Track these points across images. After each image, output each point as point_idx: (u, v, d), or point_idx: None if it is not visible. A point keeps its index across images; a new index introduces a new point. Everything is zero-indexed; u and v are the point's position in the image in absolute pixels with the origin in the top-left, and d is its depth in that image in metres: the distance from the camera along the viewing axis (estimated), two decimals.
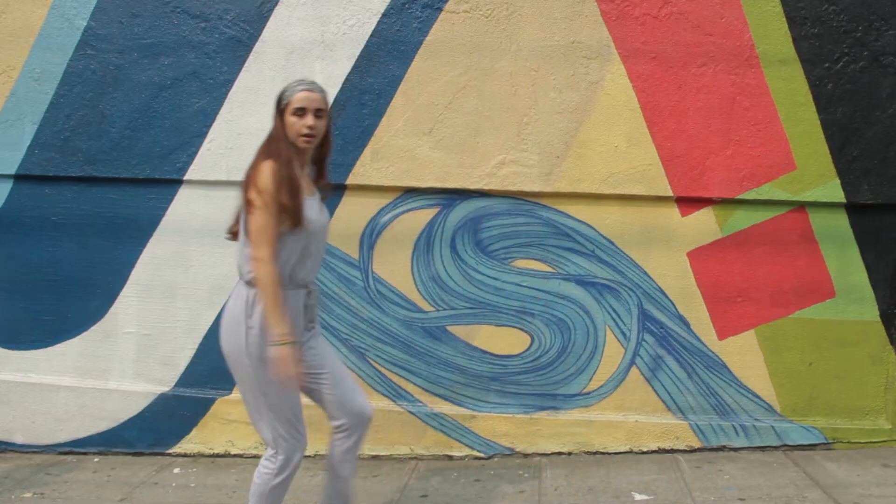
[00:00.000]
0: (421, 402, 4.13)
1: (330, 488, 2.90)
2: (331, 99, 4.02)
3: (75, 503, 3.56)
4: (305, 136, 2.62)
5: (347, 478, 2.88)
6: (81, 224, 4.18)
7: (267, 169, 2.55)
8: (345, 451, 2.83)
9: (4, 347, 4.24)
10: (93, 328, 4.21)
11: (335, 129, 4.04)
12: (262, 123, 4.06)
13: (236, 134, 4.09)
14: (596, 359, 4.10)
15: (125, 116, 4.10)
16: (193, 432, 4.17)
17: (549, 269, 4.09)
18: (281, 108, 2.65)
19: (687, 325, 4.08)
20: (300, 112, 2.62)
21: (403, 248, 4.10)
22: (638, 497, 3.53)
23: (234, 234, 2.80)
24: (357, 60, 4.04)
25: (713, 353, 4.08)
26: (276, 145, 2.63)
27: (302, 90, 2.62)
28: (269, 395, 2.63)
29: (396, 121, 4.04)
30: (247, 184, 2.62)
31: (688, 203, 4.04)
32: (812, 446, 4.07)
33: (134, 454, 4.18)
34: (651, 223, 4.05)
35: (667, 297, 4.07)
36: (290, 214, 2.55)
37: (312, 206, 2.68)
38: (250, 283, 2.64)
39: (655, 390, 4.10)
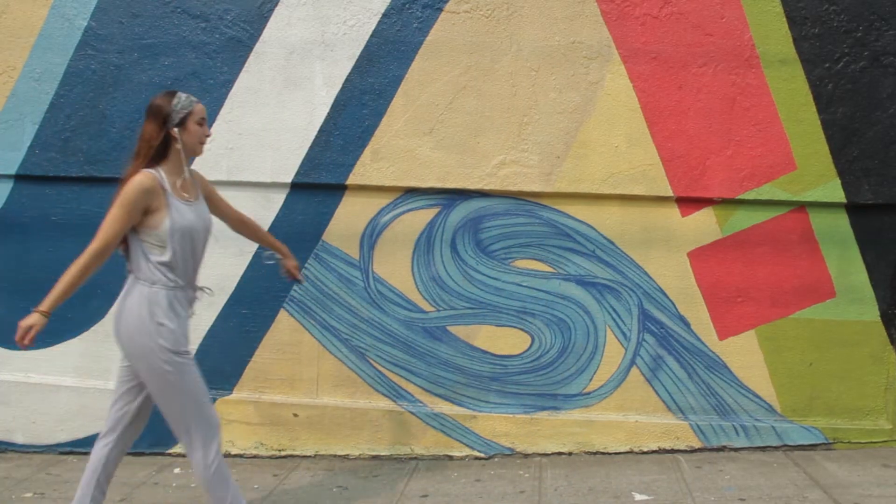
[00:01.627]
0: (421, 402, 4.13)
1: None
2: (331, 99, 4.07)
3: None
4: (203, 142, 2.94)
5: None
6: (82, 224, 4.17)
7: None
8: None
9: (4, 347, 4.23)
10: (93, 328, 4.21)
11: (335, 129, 4.07)
12: (262, 123, 4.08)
13: (236, 134, 4.09)
14: (596, 359, 4.10)
15: (125, 116, 4.10)
16: None
17: (550, 270, 4.09)
18: (181, 119, 2.84)
19: (687, 325, 4.08)
20: (202, 121, 2.90)
21: (404, 249, 4.10)
22: (638, 497, 3.53)
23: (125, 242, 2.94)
24: (357, 60, 4.04)
25: (713, 353, 4.08)
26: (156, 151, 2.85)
27: (199, 103, 2.90)
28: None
29: (397, 121, 4.04)
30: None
31: (688, 203, 4.04)
32: (812, 446, 4.07)
33: (134, 454, 4.17)
34: (651, 223, 4.05)
35: (667, 297, 4.07)
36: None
37: (193, 209, 2.91)
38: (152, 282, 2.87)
39: (656, 390, 4.10)
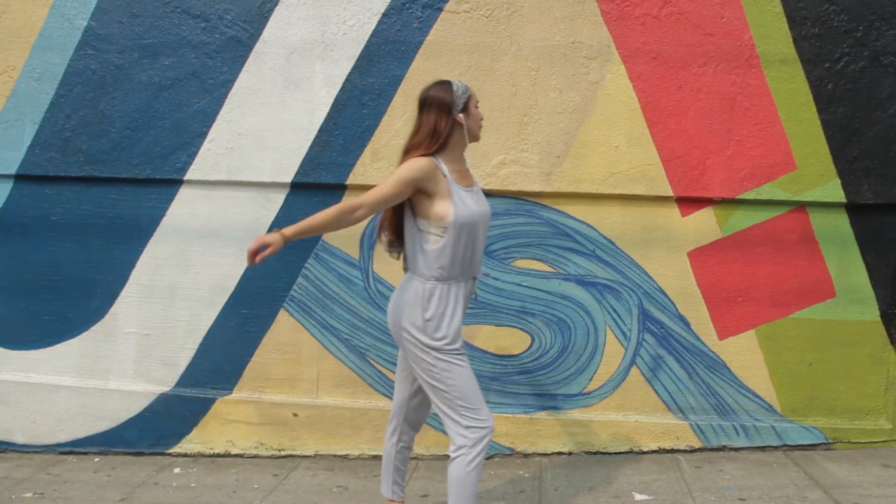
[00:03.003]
0: None
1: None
2: (331, 99, 4.07)
3: (75, 503, 3.56)
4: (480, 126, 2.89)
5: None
6: (82, 224, 4.18)
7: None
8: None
9: (5, 347, 4.24)
10: (93, 328, 4.21)
11: (335, 129, 4.07)
12: (262, 123, 4.08)
13: (236, 134, 4.09)
14: (596, 359, 4.10)
15: (125, 116, 4.10)
16: (194, 432, 4.17)
17: (550, 269, 4.09)
18: (464, 104, 2.80)
19: (687, 325, 4.08)
20: (478, 104, 2.88)
21: None
22: (638, 497, 3.53)
23: (390, 243, 2.92)
24: (357, 60, 4.04)
25: (713, 353, 4.08)
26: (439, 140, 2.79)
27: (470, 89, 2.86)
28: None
29: (397, 121, 4.04)
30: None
31: (688, 203, 4.04)
32: (812, 446, 4.07)
33: (134, 454, 4.18)
34: (651, 223, 4.05)
35: (667, 297, 4.07)
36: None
37: (470, 197, 2.80)
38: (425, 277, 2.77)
39: (656, 390, 4.10)
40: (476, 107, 2.85)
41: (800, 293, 4.05)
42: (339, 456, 4.12)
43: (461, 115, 2.77)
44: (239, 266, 4.13)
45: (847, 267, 4.05)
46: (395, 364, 4.15)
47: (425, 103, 2.79)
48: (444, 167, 2.76)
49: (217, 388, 4.17)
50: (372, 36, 4.03)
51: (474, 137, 2.86)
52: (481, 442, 2.78)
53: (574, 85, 4.01)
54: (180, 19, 4.07)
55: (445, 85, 2.80)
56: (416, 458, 4.08)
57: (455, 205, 2.72)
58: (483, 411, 2.79)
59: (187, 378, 4.18)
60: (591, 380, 4.10)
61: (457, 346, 2.79)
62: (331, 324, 4.14)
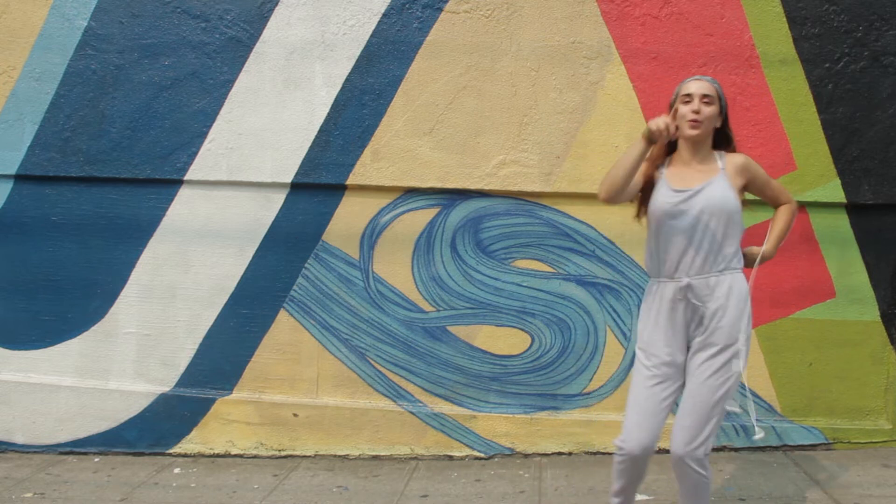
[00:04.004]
0: (421, 402, 4.13)
1: None
2: (331, 99, 4.07)
3: (75, 503, 3.56)
4: (691, 120, 2.66)
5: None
6: (82, 224, 4.18)
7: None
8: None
9: (4, 347, 4.24)
10: (93, 328, 4.21)
11: (335, 129, 4.07)
12: (262, 123, 4.08)
13: (237, 134, 4.09)
14: (596, 359, 4.10)
15: (125, 116, 4.10)
16: (194, 432, 4.17)
17: (550, 270, 4.09)
18: (672, 104, 2.75)
19: None
20: (687, 99, 2.70)
21: (404, 248, 4.10)
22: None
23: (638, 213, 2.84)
24: (357, 60, 4.04)
25: None
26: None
27: (690, 81, 2.73)
28: None
29: (397, 121, 4.04)
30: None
31: None
32: (812, 446, 4.07)
33: (134, 454, 4.18)
34: None
35: None
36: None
37: (678, 196, 2.68)
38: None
39: None
40: (685, 103, 2.70)
41: (800, 293, 4.05)
42: (339, 456, 4.12)
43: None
44: (239, 266, 4.13)
45: (847, 267, 4.04)
46: (394, 364, 4.16)
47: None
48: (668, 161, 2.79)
49: (217, 388, 4.17)
50: (372, 36, 4.03)
51: (681, 134, 2.72)
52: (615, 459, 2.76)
53: (574, 85, 4.01)
54: (180, 19, 4.07)
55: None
56: (415, 458, 4.08)
57: (652, 199, 2.72)
58: (623, 432, 2.73)
59: (187, 378, 4.18)
60: (591, 380, 4.10)
61: (643, 353, 2.74)
62: (331, 324, 4.14)
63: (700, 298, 2.66)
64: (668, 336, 2.70)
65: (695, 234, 2.65)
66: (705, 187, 2.66)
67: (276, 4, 4.05)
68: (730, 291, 2.66)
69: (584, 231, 4.07)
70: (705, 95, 2.68)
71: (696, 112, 2.65)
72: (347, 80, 4.05)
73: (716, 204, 2.63)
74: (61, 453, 4.19)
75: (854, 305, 4.05)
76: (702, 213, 2.63)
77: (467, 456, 4.09)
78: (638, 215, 2.82)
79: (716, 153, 2.77)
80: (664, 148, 2.79)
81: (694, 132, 2.67)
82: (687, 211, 2.64)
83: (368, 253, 4.12)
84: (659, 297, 2.72)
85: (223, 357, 4.18)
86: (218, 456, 4.15)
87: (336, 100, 4.05)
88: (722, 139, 2.79)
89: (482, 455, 4.09)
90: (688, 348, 2.73)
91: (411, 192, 4.09)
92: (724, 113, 2.77)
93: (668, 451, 4.07)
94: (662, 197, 2.68)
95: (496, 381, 4.12)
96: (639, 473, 2.78)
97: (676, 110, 2.70)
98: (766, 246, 2.79)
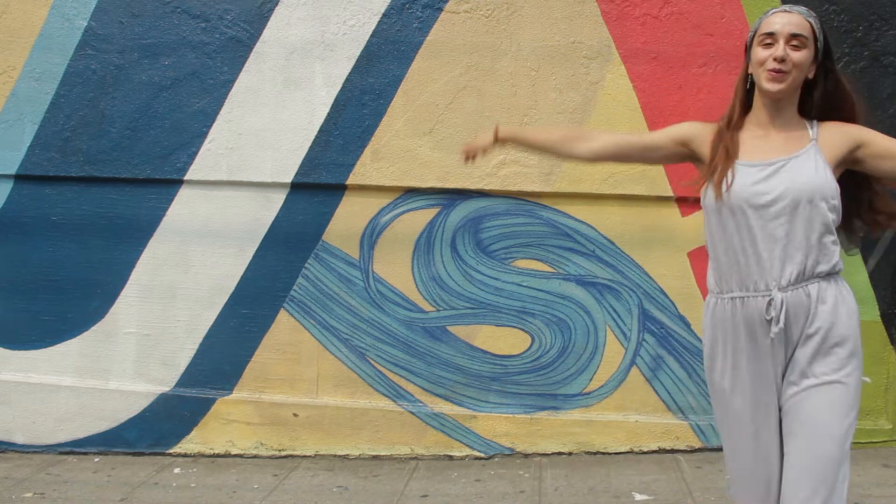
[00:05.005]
0: (421, 402, 4.13)
1: None
2: (331, 99, 4.06)
3: (75, 503, 3.56)
4: (773, 70, 1.95)
5: None
6: (82, 224, 4.18)
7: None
8: None
9: (4, 347, 4.23)
10: (93, 328, 4.20)
11: (335, 129, 4.06)
12: (262, 123, 4.08)
13: (237, 134, 4.09)
14: (596, 359, 4.10)
15: (125, 116, 4.10)
16: (194, 432, 4.16)
17: (550, 270, 4.09)
18: (748, 44, 2.06)
19: (687, 325, 4.07)
20: (769, 39, 1.97)
21: (404, 248, 4.10)
22: (638, 497, 3.53)
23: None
24: (357, 60, 4.04)
25: None
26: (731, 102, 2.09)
27: (775, 13, 1.99)
28: None
29: (397, 121, 4.04)
30: None
31: (688, 203, 4.03)
32: None
33: (134, 454, 4.18)
34: (652, 223, 4.05)
35: (667, 297, 4.07)
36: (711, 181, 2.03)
37: (750, 173, 1.98)
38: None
39: (656, 390, 4.09)
40: (765, 44, 1.99)
41: None
42: (339, 456, 4.12)
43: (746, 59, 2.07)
44: (239, 266, 4.13)
45: (847, 267, 4.00)
46: (394, 364, 4.15)
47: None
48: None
49: (217, 388, 4.17)
50: (372, 36, 4.03)
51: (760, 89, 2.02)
52: None
53: (574, 85, 4.01)
54: (180, 19, 4.07)
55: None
56: (415, 458, 4.08)
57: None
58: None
59: (187, 378, 4.18)
60: (591, 380, 4.10)
61: (714, 387, 2.08)
62: (331, 324, 4.14)
63: (795, 317, 1.96)
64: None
65: (787, 229, 1.94)
66: (789, 161, 1.97)
67: (276, 4, 4.05)
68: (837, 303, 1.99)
69: (584, 231, 4.07)
70: (794, 36, 1.94)
71: (780, 60, 1.94)
72: (347, 80, 4.04)
73: (804, 185, 1.93)
74: (61, 453, 4.19)
75: None
76: (783, 197, 1.93)
77: (467, 456, 4.09)
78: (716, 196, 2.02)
79: (805, 121, 2.05)
80: (740, 108, 2.10)
81: (775, 87, 1.96)
82: (767, 194, 1.95)
83: (368, 253, 4.12)
84: (721, 313, 2.05)
85: (223, 357, 4.18)
86: (218, 456, 4.15)
87: (336, 100, 4.05)
88: (824, 99, 2.02)
89: (482, 455, 4.09)
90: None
91: (411, 192, 4.09)
92: (823, 59, 2.00)
93: (668, 451, 4.09)
94: (737, 176, 1.98)
95: (496, 381, 4.12)
96: None
97: (751, 57, 2.02)
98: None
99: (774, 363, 1.97)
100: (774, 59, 1.94)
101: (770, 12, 2.01)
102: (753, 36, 2.04)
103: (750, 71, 2.04)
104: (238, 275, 4.14)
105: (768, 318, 1.94)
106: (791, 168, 1.95)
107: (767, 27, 1.98)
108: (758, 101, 2.05)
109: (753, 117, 2.07)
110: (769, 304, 1.94)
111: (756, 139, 2.03)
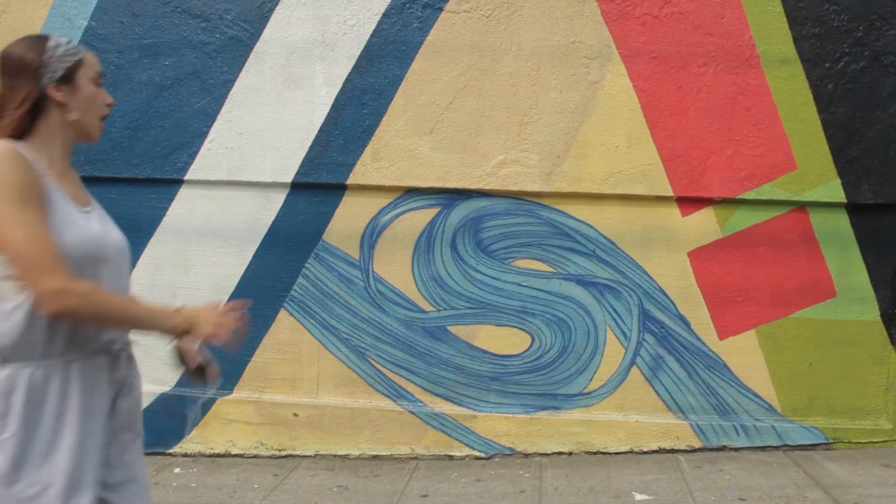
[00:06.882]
0: (421, 401, 4.13)
1: None
2: (331, 99, 4.06)
3: None
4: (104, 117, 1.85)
5: None
6: None
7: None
8: None
9: None
10: None
11: (335, 129, 4.06)
12: (262, 123, 4.08)
13: (237, 134, 4.09)
14: (596, 359, 4.10)
15: (126, 116, 4.10)
16: (194, 432, 4.16)
17: (550, 269, 4.09)
18: (67, 72, 1.75)
19: (687, 324, 4.07)
20: (99, 80, 1.83)
21: (404, 248, 4.10)
22: (638, 497, 3.53)
23: None
24: (357, 60, 4.04)
25: (714, 352, 4.08)
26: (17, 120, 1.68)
27: (87, 51, 1.80)
28: None
29: (397, 121, 4.04)
30: None
31: (688, 203, 4.03)
32: (812, 446, 4.07)
33: None
34: (652, 223, 4.05)
35: (667, 297, 4.07)
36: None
37: (88, 218, 1.81)
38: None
39: (656, 390, 4.10)
40: (98, 84, 1.82)
41: (800, 293, 4.05)
42: (340, 456, 4.12)
43: (57, 89, 1.73)
44: (239, 266, 4.13)
45: (847, 267, 4.04)
46: (395, 364, 4.15)
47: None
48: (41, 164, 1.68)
49: (217, 388, 4.17)
50: (372, 36, 4.03)
51: (87, 135, 1.86)
52: None
53: (574, 85, 4.01)
54: (180, 19, 4.07)
55: (36, 41, 1.72)
56: (416, 458, 4.08)
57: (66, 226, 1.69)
58: None
59: (187, 378, 4.17)
60: (591, 380, 4.10)
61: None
62: (331, 324, 4.14)
63: (125, 372, 1.91)
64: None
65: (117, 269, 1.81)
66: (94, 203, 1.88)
67: (277, 4, 4.05)
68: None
69: (585, 231, 4.07)
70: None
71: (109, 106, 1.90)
72: (348, 79, 4.04)
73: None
74: None
75: (854, 305, 4.05)
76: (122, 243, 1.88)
77: (467, 456, 4.09)
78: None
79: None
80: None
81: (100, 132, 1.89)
82: (112, 237, 1.86)
83: (369, 252, 4.12)
84: (63, 394, 1.72)
85: (223, 357, 4.16)
86: (218, 456, 4.15)
87: (336, 99, 4.05)
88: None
89: (482, 455, 4.09)
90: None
91: (411, 192, 4.09)
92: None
93: (668, 451, 4.09)
94: (78, 220, 1.75)
95: (496, 381, 4.12)
96: None
97: (78, 84, 1.79)
98: None
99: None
100: (108, 105, 1.86)
101: (82, 47, 1.80)
102: (75, 67, 1.76)
103: (73, 104, 1.79)
104: (238, 274, 4.14)
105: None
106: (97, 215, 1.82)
107: (96, 67, 1.83)
108: (57, 131, 1.79)
109: (52, 153, 1.78)
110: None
111: (68, 182, 1.82)
